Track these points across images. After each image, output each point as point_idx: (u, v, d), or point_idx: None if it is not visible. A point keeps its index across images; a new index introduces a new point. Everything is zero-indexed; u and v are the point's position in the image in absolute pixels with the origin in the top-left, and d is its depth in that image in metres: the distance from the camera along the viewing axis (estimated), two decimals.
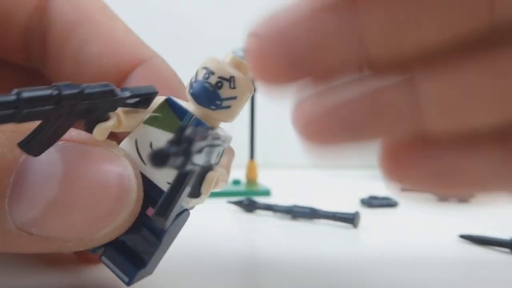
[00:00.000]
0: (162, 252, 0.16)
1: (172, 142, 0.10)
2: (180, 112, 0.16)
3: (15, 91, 0.11)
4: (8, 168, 0.13)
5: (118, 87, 0.15)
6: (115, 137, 0.16)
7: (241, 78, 0.16)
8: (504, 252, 0.20)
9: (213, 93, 0.15)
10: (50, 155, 0.13)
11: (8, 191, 0.12)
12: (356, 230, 0.25)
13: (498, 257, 0.20)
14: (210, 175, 0.15)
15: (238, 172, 0.57)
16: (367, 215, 0.29)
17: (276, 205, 0.28)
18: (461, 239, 0.22)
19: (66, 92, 0.12)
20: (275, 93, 0.15)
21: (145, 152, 0.15)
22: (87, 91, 0.13)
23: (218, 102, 0.16)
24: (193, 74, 0.16)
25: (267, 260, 0.19)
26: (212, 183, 0.15)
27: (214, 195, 0.37)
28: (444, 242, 0.22)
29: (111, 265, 0.15)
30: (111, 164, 0.14)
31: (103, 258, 0.15)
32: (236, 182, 0.43)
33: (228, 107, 0.16)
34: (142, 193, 0.14)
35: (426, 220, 0.29)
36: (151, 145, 0.15)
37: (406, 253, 0.20)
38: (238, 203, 0.30)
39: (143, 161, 0.15)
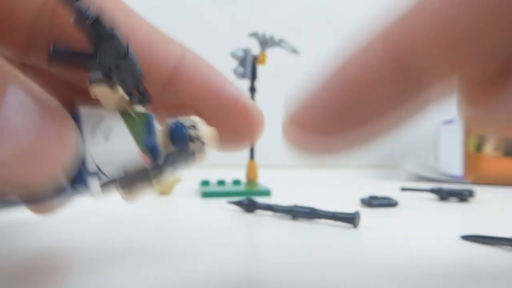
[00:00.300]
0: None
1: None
2: (150, 130, 0.16)
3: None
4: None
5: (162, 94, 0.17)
6: None
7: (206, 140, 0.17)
8: (506, 251, 0.20)
9: (186, 141, 0.17)
10: (22, 100, 0.12)
11: None
12: (356, 230, 0.25)
13: (499, 256, 0.20)
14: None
15: (238, 172, 0.57)
16: (367, 215, 0.29)
17: (276, 205, 0.28)
18: (462, 239, 0.22)
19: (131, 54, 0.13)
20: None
21: (101, 131, 0.15)
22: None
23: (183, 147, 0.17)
24: None
25: (267, 259, 0.19)
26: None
27: (213, 195, 0.37)
28: (445, 242, 0.22)
29: None
30: (67, 126, 0.13)
31: None
32: (236, 182, 0.43)
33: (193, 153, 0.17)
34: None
35: (427, 219, 0.29)
36: (109, 129, 0.15)
37: (407, 253, 0.20)
38: (238, 203, 0.30)
39: (93, 136, 0.15)
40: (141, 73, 0.15)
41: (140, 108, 0.16)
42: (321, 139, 0.14)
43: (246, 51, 0.43)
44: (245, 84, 0.43)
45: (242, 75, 0.43)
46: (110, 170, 0.15)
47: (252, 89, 0.43)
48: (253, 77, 0.43)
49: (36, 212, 0.20)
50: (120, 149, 0.15)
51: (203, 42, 0.55)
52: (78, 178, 0.15)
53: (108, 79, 0.14)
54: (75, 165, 0.14)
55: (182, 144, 0.17)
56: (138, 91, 0.16)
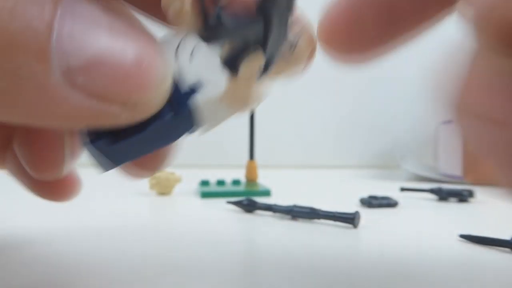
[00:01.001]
0: (140, 145, 0.14)
1: None
2: None
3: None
4: (51, 4, 0.11)
5: None
6: None
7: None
8: (505, 252, 0.20)
9: None
10: (96, 9, 0.12)
11: (56, 26, 0.11)
12: (356, 230, 0.25)
13: (498, 257, 0.20)
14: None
15: (237, 172, 0.57)
16: (367, 215, 0.29)
17: (276, 205, 0.28)
18: (462, 239, 0.22)
19: None
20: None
21: (187, 48, 0.14)
22: None
23: None
24: None
25: (267, 260, 0.19)
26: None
27: (213, 195, 0.37)
28: (444, 242, 0.22)
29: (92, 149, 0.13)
30: (157, 47, 0.12)
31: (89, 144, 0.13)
32: (236, 182, 0.43)
33: None
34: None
35: (426, 219, 0.29)
36: (195, 47, 0.14)
37: (406, 253, 0.20)
38: (238, 203, 0.30)
39: (177, 55, 0.14)
40: None
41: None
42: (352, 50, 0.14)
43: None
44: None
45: None
46: (210, 79, 0.13)
47: None
48: None
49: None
50: (205, 65, 0.13)
51: None
52: (178, 102, 0.13)
53: None
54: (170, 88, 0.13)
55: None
56: None
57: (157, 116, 0.13)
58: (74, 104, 0.11)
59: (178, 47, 0.14)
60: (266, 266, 0.18)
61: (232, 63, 0.13)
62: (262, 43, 0.13)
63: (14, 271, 0.17)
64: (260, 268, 0.18)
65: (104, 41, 0.11)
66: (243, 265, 0.18)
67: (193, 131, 0.14)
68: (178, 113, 0.13)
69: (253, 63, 0.13)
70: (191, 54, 0.14)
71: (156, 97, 0.12)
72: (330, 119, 0.83)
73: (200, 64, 0.13)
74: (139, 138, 0.13)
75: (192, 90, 0.13)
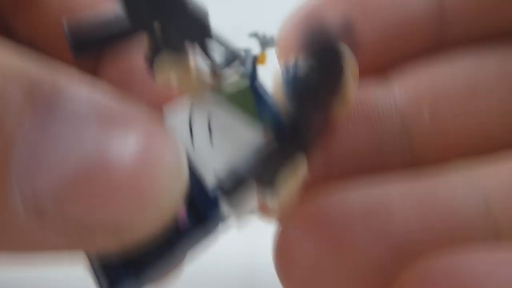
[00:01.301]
0: (168, 265, 0.11)
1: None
2: (263, 96, 0.12)
3: None
4: (19, 108, 0.08)
5: None
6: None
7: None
8: None
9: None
10: (81, 104, 0.09)
11: (20, 141, 0.08)
12: None
13: None
14: (302, 171, 0.11)
15: None
16: None
17: None
18: None
19: None
20: None
21: (199, 127, 0.12)
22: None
23: None
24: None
25: (267, 260, 0.19)
26: (299, 182, 0.11)
27: None
28: None
29: (95, 263, 0.11)
30: (160, 137, 0.10)
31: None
32: None
33: None
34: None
35: None
36: (209, 120, 0.12)
37: None
38: None
39: (191, 137, 0.12)
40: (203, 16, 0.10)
41: (228, 71, 0.13)
42: None
43: (247, 51, 0.43)
44: None
45: (242, 75, 0.43)
46: (234, 173, 0.10)
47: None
48: (253, 77, 0.43)
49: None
50: (236, 139, 0.11)
51: None
52: (201, 205, 0.11)
53: (176, 48, 0.10)
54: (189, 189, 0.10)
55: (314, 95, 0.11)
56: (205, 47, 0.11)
57: (174, 229, 0.10)
58: (40, 238, 0.08)
59: (190, 123, 0.11)
60: (266, 267, 0.18)
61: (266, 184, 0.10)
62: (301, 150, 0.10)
63: None
64: (259, 268, 0.18)
65: (89, 151, 0.09)
66: (243, 265, 0.18)
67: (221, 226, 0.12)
68: (205, 219, 0.11)
69: (294, 175, 0.11)
70: (209, 131, 0.11)
71: (163, 213, 0.09)
72: None
73: (224, 141, 0.11)
74: (162, 260, 0.11)
75: (221, 190, 0.10)
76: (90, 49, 0.09)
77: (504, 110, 0.15)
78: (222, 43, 0.12)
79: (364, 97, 0.15)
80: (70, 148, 0.08)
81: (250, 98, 0.13)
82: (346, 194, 0.14)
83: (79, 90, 0.09)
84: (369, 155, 0.15)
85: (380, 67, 0.16)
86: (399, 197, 0.14)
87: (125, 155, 0.09)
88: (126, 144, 0.09)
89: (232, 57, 0.12)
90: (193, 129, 0.12)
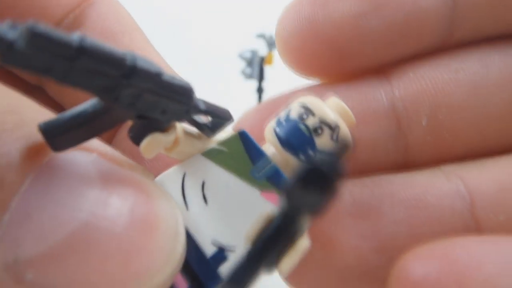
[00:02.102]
0: None
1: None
2: (254, 153, 0.12)
3: (77, 34, 0.07)
4: (20, 169, 0.08)
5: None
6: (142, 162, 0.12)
7: (346, 132, 0.12)
8: None
9: (308, 139, 0.12)
10: (83, 169, 0.09)
11: (13, 203, 0.08)
12: None
13: None
14: (303, 245, 0.11)
15: None
16: None
17: None
18: None
19: (142, 65, 0.08)
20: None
21: (193, 192, 0.11)
22: (166, 78, 0.09)
23: (311, 153, 0.12)
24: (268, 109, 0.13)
25: None
26: (299, 256, 0.11)
27: None
28: None
29: None
30: (159, 203, 0.10)
31: None
32: None
33: None
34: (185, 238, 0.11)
35: None
36: (203, 185, 0.12)
37: None
38: None
39: (185, 203, 0.11)
40: (186, 88, 0.10)
41: (221, 134, 0.12)
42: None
43: (254, 52, 0.43)
44: (252, 84, 0.43)
45: (250, 76, 0.43)
46: (235, 238, 0.11)
47: (260, 90, 0.44)
48: (260, 77, 0.43)
49: None
50: (231, 203, 0.11)
51: (211, 43, 0.55)
52: (201, 274, 0.11)
53: (152, 122, 0.10)
54: (185, 258, 0.10)
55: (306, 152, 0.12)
56: (194, 113, 0.11)
57: None
58: None
59: (183, 190, 0.11)
60: None
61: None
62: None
63: None
64: None
65: (79, 223, 0.08)
66: None
67: None
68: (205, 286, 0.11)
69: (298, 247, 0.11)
70: (204, 196, 0.11)
71: (160, 279, 0.09)
72: None
73: (223, 203, 0.11)
74: None
75: (220, 253, 0.11)
76: (69, 143, 0.09)
77: (504, 114, 0.15)
78: (209, 109, 0.11)
79: (363, 97, 0.15)
80: (66, 212, 0.08)
81: (240, 144, 0.12)
82: (338, 197, 0.14)
83: (82, 153, 0.10)
84: (363, 156, 0.15)
85: (384, 64, 0.15)
86: (389, 199, 0.14)
87: (122, 217, 0.09)
88: (124, 207, 0.09)
89: (219, 121, 0.12)
90: (186, 196, 0.12)
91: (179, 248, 0.10)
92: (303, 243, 0.11)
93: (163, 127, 0.10)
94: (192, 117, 0.11)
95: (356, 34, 0.14)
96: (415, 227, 0.14)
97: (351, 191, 0.14)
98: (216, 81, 0.42)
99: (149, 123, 0.10)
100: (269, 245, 0.08)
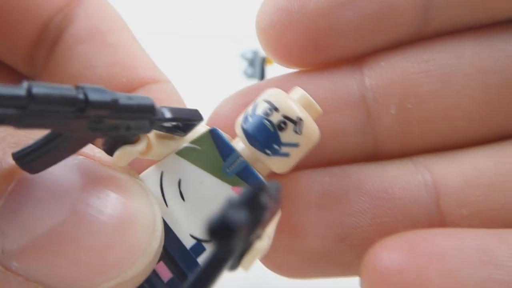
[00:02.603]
0: None
1: (237, 209, 0.07)
2: (225, 150, 0.13)
3: (25, 83, 0.08)
4: (8, 174, 0.10)
5: None
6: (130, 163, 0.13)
7: (310, 123, 0.13)
8: None
9: (273, 134, 0.12)
10: (66, 171, 0.10)
11: (1, 201, 0.09)
12: None
13: None
14: (259, 246, 0.11)
15: None
16: None
17: None
18: None
19: (95, 97, 0.09)
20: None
21: (170, 190, 0.12)
22: (123, 102, 0.09)
23: (276, 147, 0.12)
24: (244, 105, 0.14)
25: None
26: (259, 256, 0.12)
27: None
28: None
29: None
30: (137, 200, 0.11)
31: None
32: None
33: (286, 154, 0.12)
34: (163, 242, 0.12)
35: None
36: (179, 183, 0.12)
37: None
38: None
39: (164, 201, 0.12)
40: (147, 104, 0.10)
41: (195, 131, 0.13)
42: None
43: (255, 53, 0.44)
44: None
45: (251, 76, 0.43)
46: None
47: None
48: (262, 77, 0.44)
49: None
50: (206, 199, 0.12)
51: (212, 44, 0.55)
52: (182, 264, 0.12)
53: (120, 137, 0.11)
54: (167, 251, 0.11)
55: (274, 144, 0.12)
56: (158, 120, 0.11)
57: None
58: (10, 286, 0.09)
59: (162, 187, 0.12)
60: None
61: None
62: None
63: None
64: (260, 269, 0.18)
65: (60, 219, 0.09)
66: None
67: None
68: (184, 277, 0.12)
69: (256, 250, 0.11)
70: (180, 193, 0.12)
71: (139, 270, 0.10)
72: None
73: (198, 198, 0.12)
74: None
75: (199, 245, 0.12)
76: (45, 165, 0.10)
77: (473, 106, 0.15)
78: (176, 116, 0.11)
79: (334, 86, 0.15)
80: (47, 210, 0.09)
81: (211, 141, 0.13)
82: (306, 184, 0.15)
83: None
84: (332, 145, 0.15)
85: (359, 54, 0.15)
86: (355, 189, 0.14)
87: (100, 215, 0.10)
88: (103, 206, 0.10)
89: (187, 121, 0.12)
90: (165, 193, 0.12)
91: (154, 244, 0.11)
92: (262, 244, 0.11)
93: (132, 139, 0.11)
94: (161, 125, 0.11)
95: (330, 25, 0.14)
96: (378, 218, 0.14)
97: (320, 180, 0.14)
98: (218, 81, 0.42)
99: (118, 138, 0.11)
100: (206, 276, 0.08)
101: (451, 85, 0.14)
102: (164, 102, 0.14)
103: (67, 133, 0.09)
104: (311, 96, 0.13)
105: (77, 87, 0.09)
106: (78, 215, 0.10)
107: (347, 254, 0.14)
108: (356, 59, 0.15)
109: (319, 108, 0.13)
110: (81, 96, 0.08)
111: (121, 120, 0.10)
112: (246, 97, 0.14)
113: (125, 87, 0.16)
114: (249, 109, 0.13)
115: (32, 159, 0.09)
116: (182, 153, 0.13)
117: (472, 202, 0.14)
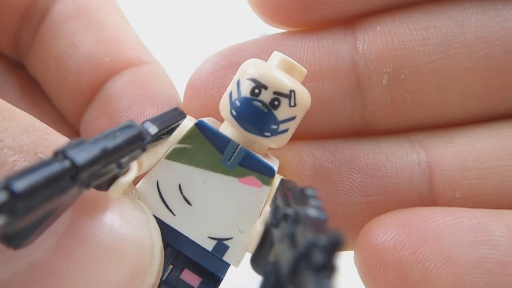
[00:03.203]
0: None
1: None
2: (218, 141, 0.12)
3: (2, 181, 0.07)
4: None
5: (106, 80, 0.13)
6: None
7: (301, 91, 0.12)
8: None
9: (268, 115, 0.11)
10: None
11: None
12: None
13: None
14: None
15: None
16: None
17: None
18: None
19: (82, 159, 0.08)
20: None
21: (173, 197, 0.12)
22: (111, 145, 0.09)
23: (274, 127, 0.12)
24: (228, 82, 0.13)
25: None
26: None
27: None
28: None
29: None
30: (134, 230, 0.10)
31: None
32: None
33: (285, 131, 0.12)
34: (163, 265, 0.11)
35: None
36: (180, 188, 0.12)
37: None
38: None
39: (169, 210, 0.12)
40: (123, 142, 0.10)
41: (177, 132, 0.12)
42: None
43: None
44: None
45: None
46: (228, 229, 0.11)
47: None
48: None
49: None
50: (213, 198, 0.12)
51: (214, 43, 0.55)
52: (210, 267, 0.12)
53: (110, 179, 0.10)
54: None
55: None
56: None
57: None
58: None
59: (161, 195, 0.12)
60: None
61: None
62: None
63: None
64: None
65: (45, 251, 0.09)
66: (243, 266, 0.18)
67: None
68: (218, 279, 0.12)
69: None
70: (185, 198, 0.12)
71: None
72: None
73: (205, 199, 0.12)
74: None
75: (220, 244, 0.11)
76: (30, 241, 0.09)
77: (473, 80, 0.13)
78: (162, 126, 0.11)
79: (324, 51, 0.14)
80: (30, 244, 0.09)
81: (201, 135, 0.12)
82: (300, 156, 0.14)
83: None
84: (318, 113, 0.14)
85: (352, 15, 0.14)
86: (348, 165, 0.14)
87: (86, 250, 0.09)
88: (96, 235, 0.09)
89: (172, 126, 0.11)
90: (167, 203, 0.12)
91: (149, 280, 0.10)
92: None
93: (123, 171, 0.10)
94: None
95: None
96: (369, 195, 0.14)
97: (313, 155, 0.14)
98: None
99: (107, 178, 0.10)
100: None
101: (450, 56, 0.13)
102: (150, 87, 0.14)
103: (63, 204, 0.09)
104: (296, 60, 0.12)
105: (56, 154, 0.08)
106: (61, 249, 0.09)
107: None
108: (350, 21, 0.14)
109: (302, 68, 0.12)
110: (66, 164, 0.08)
111: (114, 161, 0.09)
112: (229, 58, 0.14)
113: (108, 68, 0.15)
114: (233, 89, 0.12)
115: (23, 238, 0.08)
116: (173, 156, 0.12)
117: (466, 185, 0.13)
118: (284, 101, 0.11)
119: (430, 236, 0.12)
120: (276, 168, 0.12)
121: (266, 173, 0.11)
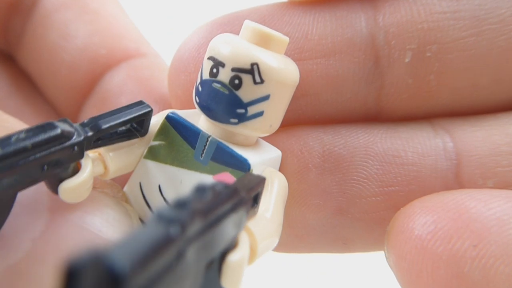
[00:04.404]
0: None
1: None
2: (189, 135, 0.11)
3: None
4: None
5: (103, 74, 0.12)
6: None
7: (268, 62, 0.10)
8: None
9: (230, 97, 0.10)
10: (36, 199, 0.10)
11: None
12: None
13: None
14: (232, 260, 0.09)
15: None
16: None
17: None
18: None
19: None
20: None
21: (154, 199, 0.11)
22: (25, 144, 0.08)
23: (241, 111, 0.10)
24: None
25: (267, 261, 0.18)
26: (239, 271, 0.09)
27: None
28: None
29: None
30: (112, 230, 0.10)
31: None
32: None
33: (259, 114, 0.10)
34: None
35: None
36: (160, 189, 0.11)
37: None
38: None
39: (148, 206, 0.11)
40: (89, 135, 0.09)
41: (153, 129, 0.11)
42: None
43: None
44: None
45: None
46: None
47: None
48: None
49: None
50: (186, 188, 0.10)
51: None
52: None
53: (50, 176, 0.09)
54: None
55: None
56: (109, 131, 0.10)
57: None
58: None
59: (143, 194, 0.11)
60: (266, 267, 0.17)
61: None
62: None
63: None
64: (260, 269, 0.17)
65: (18, 256, 0.09)
66: None
67: None
68: None
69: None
70: (164, 199, 0.11)
71: None
72: None
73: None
74: None
75: None
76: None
77: (506, 62, 0.12)
78: (111, 120, 0.10)
79: (337, 22, 0.12)
80: (9, 244, 0.09)
81: (172, 130, 0.11)
82: (305, 142, 0.12)
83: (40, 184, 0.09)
84: (325, 95, 0.12)
85: None
86: (363, 151, 0.12)
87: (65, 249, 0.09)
88: (68, 239, 0.09)
89: (140, 118, 0.11)
90: (150, 205, 0.11)
91: None
92: (234, 259, 0.09)
93: (67, 173, 0.09)
94: (107, 138, 0.10)
95: None
96: (387, 186, 0.12)
97: (321, 140, 0.12)
98: None
99: (50, 177, 0.09)
100: None
101: (483, 32, 0.12)
102: (151, 81, 0.13)
103: None
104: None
105: None
106: (38, 250, 0.09)
107: (345, 229, 0.12)
108: None
109: (282, 37, 0.10)
110: None
111: (35, 163, 0.08)
112: (224, 28, 0.12)
113: (105, 60, 0.14)
114: (198, 74, 0.11)
115: None
116: (150, 155, 0.11)
117: (500, 172, 0.11)
118: (246, 78, 0.10)
119: (495, 225, 0.10)
120: (258, 159, 0.11)
121: (240, 167, 0.10)
